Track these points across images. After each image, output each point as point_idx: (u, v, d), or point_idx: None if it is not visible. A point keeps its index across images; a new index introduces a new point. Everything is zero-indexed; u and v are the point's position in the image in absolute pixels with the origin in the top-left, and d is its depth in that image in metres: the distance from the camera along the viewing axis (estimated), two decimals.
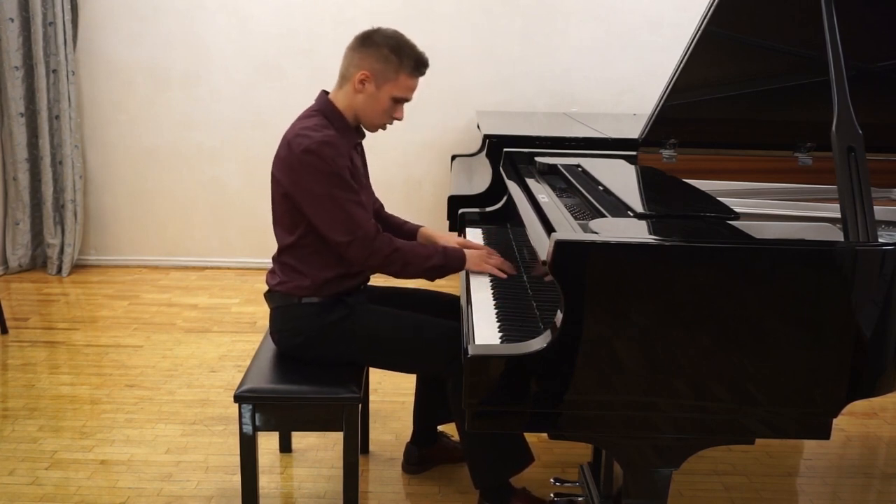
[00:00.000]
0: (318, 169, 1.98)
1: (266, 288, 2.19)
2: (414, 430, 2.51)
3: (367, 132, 2.19)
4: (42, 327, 3.70)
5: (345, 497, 2.07)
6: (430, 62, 2.12)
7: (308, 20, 4.41)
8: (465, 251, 2.13)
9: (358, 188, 2.06)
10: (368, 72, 2.07)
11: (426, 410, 2.46)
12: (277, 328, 2.16)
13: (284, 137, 2.07)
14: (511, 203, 2.35)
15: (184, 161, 4.62)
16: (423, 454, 2.49)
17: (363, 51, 2.09)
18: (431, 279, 2.14)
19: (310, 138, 1.99)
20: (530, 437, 2.16)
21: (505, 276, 2.05)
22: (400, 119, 2.16)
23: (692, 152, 2.39)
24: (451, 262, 2.11)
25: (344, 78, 2.12)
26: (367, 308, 2.15)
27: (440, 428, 2.54)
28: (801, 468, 2.63)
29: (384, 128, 2.17)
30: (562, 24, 4.45)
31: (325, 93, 2.17)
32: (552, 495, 2.13)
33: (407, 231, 2.39)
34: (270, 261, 2.19)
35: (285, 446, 2.62)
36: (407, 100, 2.13)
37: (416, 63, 2.09)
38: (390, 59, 2.06)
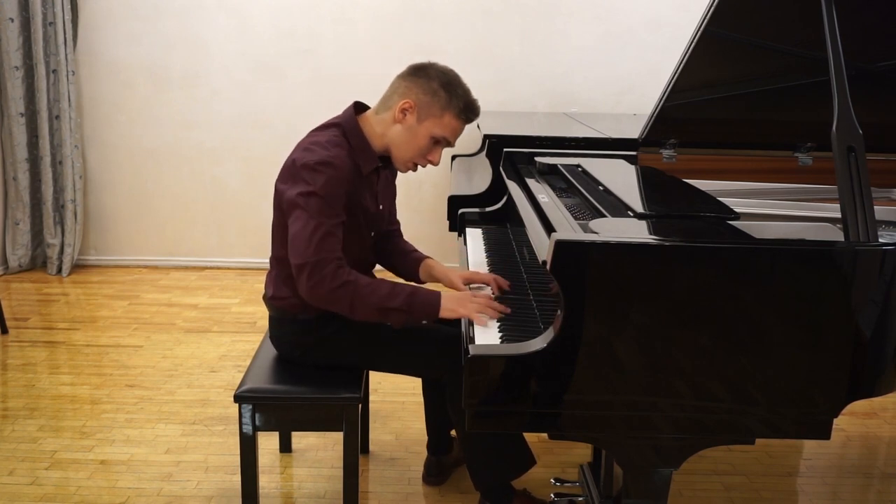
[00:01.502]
0: (308, 183, 1.88)
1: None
2: (429, 439, 2.48)
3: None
4: (42, 327, 3.70)
5: (345, 497, 2.07)
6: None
7: (308, 20, 4.41)
8: (442, 295, 1.88)
9: (354, 216, 1.97)
10: (413, 102, 1.95)
11: (435, 415, 2.43)
12: (275, 336, 2.16)
13: (297, 146, 2.00)
14: (511, 203, 2.35)
15: (184, 161, 4.62)
16: (441, 463, 2.46)
17: (412, 80, 1.97)
18: (395, 324, 1.90)
19: (315, 154, 1.91)
20: (530, 438, 2.16)
21: (485, 323, 1.76)
22: (435, 164, 2.04)
23: (692, 152, 2.39)
24: (418, 308, 1.87)
25: (385, 105, 2.01)
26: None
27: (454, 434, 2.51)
28: (801, 468, 2.63)
29: (415, 168, 2.06)
30: (562, 24, 4.45)
31: (355, 107, 2.06)
32: (552, 496, 2.13)
33: (412, 260, 2.28)
34: (269, 262, 2.18)
35: (285, 446, 2.62)
36: (448, 143, 2.02)
37: (465, 105, 1.96)
38: (439, 93, 1.94)
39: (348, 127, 2.01)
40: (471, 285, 2.07)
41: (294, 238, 1.90)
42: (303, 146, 1.97)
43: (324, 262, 1.86)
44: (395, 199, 2.29)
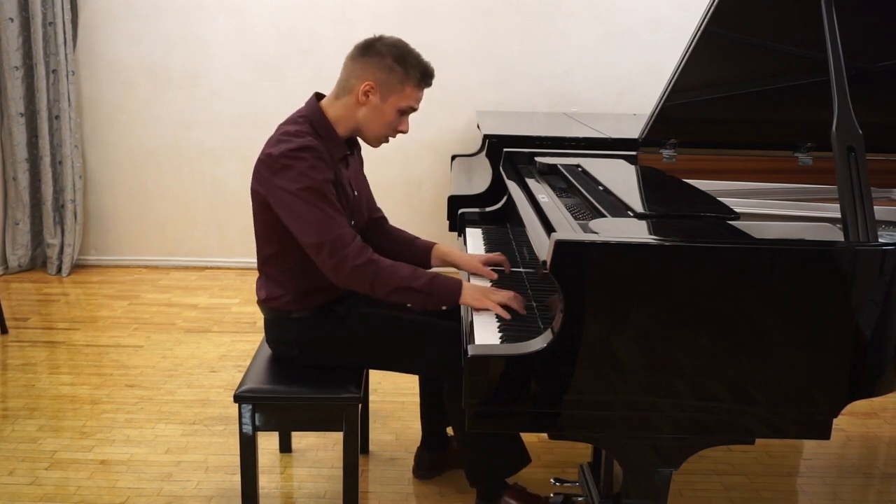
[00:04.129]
0: (296, 169, 1.90)
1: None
2: (423, 435, 2.49)
3: (369, 146, 2.13)
4: (42, 327, 3.70)
5: (345, 497, 2.07)
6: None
7: (308, 20, 4.41)
8: (464, 283, 1.91)
9: (338, 202, 1.97)
10: (373, 82, 1.97)
11: (432, 412, 2.43)
12: (272, 339, 2.16)
13: (267, 143, 2.01)
14: (511, 203, 2.35)
15: (184, 161, 4.62)
16: (433, 459, 2.46)
17: (365, 61, 1.99)
18: (415, 306, 1.96)
19: (291, 143, 1.93)
20: (531, 437, 2.16)
21: (509, 316, 1.77)
22: (405, 132, 2.08)
23: (692, 152, 2.39)
24: (439, 291, 1.88)
25: (344, 89, 2.02)
26: (359, 315, 2.10)
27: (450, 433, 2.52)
28: (801, 468, 2.63)
29: (387, 140, 2.09)
30: (562, 24, 4.45)
31: (316, 98, 2.08)
32: (552, 494, 2.14)
33: (420, 247, 2.28)
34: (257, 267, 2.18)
35: (285, 446, 2.62)
36: (413, 110, 2.06)
37: (422, 74, 2.00)
38: (395, 69, 1.97)
39: (314, 117, 2.03)
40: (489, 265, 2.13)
41: (300, 222, 1.91)
42: (274, 140, 1.99)
43: (343, 237, 1.89)
44: (368, 186, 2.29)
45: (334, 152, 2.03)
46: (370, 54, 1.99)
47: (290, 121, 2.05)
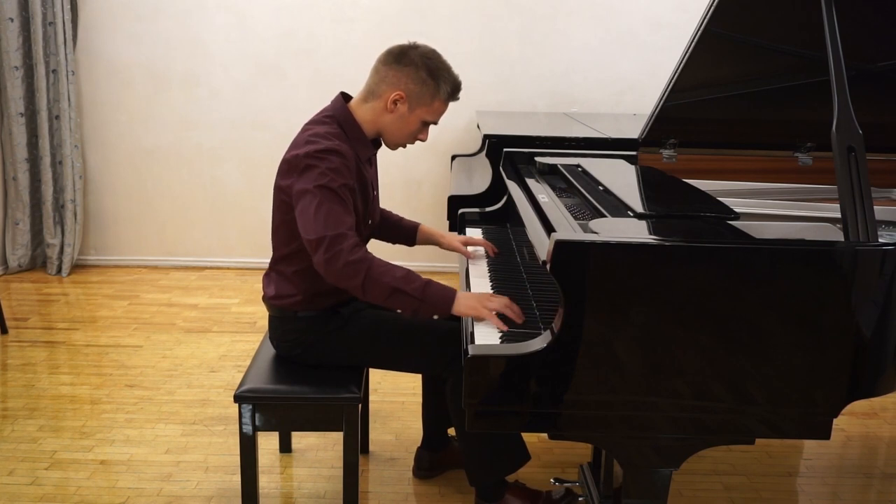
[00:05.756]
0: (318, 169, 1.90)
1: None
2: (424, 435, 2.49)
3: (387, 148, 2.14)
4: (42, 327, 3.70)
5: (345, 497, 2.07)
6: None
7: (308, 20, 4.41)
8: (458, 293, 1.84)
9: (359, 204, 1.99)
10: (403, 92, 1.98)
11: (434, 412, 2.44)
12: (275, 336, 2.16)
13: (294, 143, 2.01)
14: (511, 203, 2.35)
15: (184, 161, 4.62)
16: (433, 459, 2.47)
17: (398, 69, 1.98)
18: (404, 311, 1.88)
19: (319, 144, 1.93)
20: (531, 437, 2.16)
21: (506, 327, 1.71)
22: (424, 140, 2.11)
23: (692, 152, 2.39)
24: (431, 299, 1.83)
25: (372, 93, 2.02)
26: (362, 315, 2.11)
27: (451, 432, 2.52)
28: (801, 468, 2.63)
29: (404, 146, 2.12)
30: (562, 24, 4.45)
31: (343, 97, 2.08)
32: (552, 480, 2.15)
33: (406, 227, 2.36)
34: (269, 263, 2.18)
35: (285, 446, 2.62)
36: (435, 123, 2.07)
37: (452, 89, 2.01)
38: (427, 82, 1.98)
39: (342, 118, 2.03)
40: (468, 246, 2.29)
41: (308, 216, 1.90)
42: (304, 140, 1.98)
43: (342, 236, 1.88)
44: (378, 185, 2.30)
45: (361, 153, 2.04)
46: (404, 63, 1.98)
47: (317, 121, 2.05)
